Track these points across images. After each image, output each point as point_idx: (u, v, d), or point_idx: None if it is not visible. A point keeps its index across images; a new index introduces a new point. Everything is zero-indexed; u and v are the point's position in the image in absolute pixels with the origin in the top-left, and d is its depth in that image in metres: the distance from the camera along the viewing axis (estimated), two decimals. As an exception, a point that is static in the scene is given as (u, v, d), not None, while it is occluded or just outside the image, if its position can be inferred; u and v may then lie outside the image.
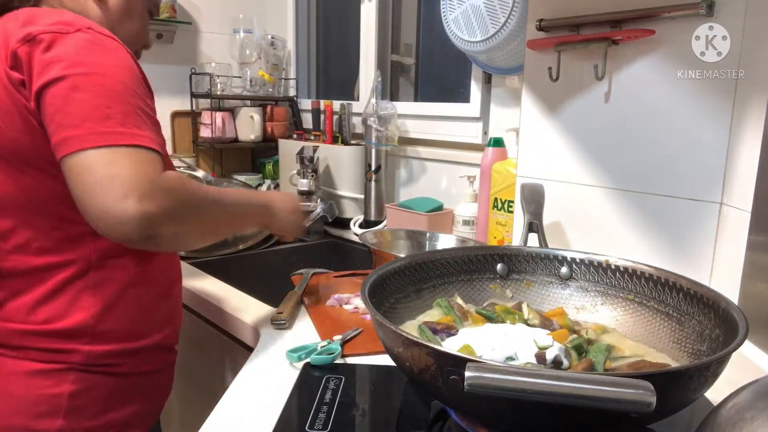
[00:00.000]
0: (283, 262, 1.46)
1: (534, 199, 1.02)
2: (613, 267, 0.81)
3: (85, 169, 0.65)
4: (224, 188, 0.87)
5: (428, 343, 0.54)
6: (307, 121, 2.08)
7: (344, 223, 1.73)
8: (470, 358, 0.51)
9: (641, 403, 0.43)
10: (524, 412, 0.51)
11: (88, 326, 0.77)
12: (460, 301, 0.83)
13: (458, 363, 0.49)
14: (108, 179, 0.64)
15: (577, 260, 0.84)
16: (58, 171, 0.68)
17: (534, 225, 0.97)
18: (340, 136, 1.83)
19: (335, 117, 1.84)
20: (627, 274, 0.80)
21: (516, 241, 1.21)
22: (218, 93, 1.97)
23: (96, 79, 0.68)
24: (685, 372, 0.52)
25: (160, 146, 0.71)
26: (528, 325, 0.75)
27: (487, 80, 1.51)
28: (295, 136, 2.02)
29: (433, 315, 0.80)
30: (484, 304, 0.84)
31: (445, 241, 1.28)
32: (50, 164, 0.70)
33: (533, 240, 0.95)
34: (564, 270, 0.85)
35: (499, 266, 0.88)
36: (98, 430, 0.79)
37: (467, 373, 0.45)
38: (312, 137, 1.96)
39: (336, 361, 0.79)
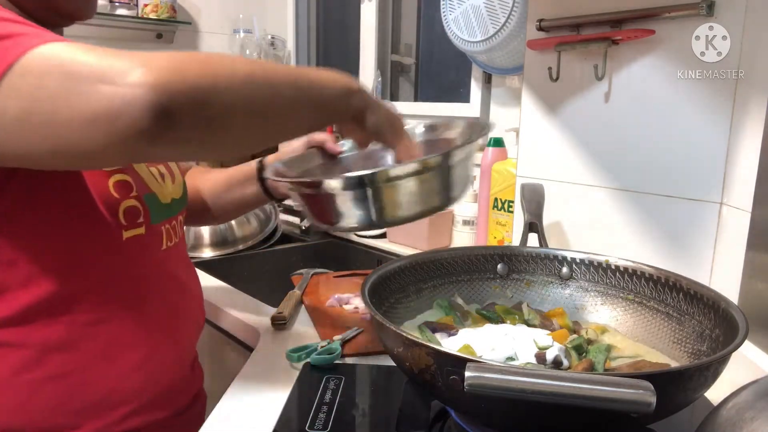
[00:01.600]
0: (283, 262, 1.46)
1: (534, 199, 1.02)
2: (613, 267, 0.81)
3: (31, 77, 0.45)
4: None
5: (428, 343, 0.54)
6: (307, 121, 2.08)
7: (344, 223, 1.73)
8: (470, 358, 0.50)
9: (641, 403, 0.43)
10: (524, 412, 0.51)
11: None
12: (460, 301, 0.83)
13: (458, 363, 0.49)
14: (83, 72, 0.44)
15: (577, 260, 0.84)
16: None
17: (534, 225, 0.97)
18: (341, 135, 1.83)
19: (335, 117, 1.84)
20: (627, 274, 0.80)
21: (516, 241, 1.21)
22: (218, 93, 1.96)
23: None
24: (685, 372, 0.52)
25: None
26: (528, 325, 0.75)
27: (487, 80, 1.51)
28: (295, 136, 2.02)
29: (433, 315, 0.80)
30: (484, 304, 0.84)
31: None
32: None
33: (533, 240, 0.95)
34: (564, 270, 0.85)
35: (499, 266, 0.88)
36: None
37: (467, 373, 0.45)
38: (312, 137, 1.96)
39: (336, 361, 0.79)
